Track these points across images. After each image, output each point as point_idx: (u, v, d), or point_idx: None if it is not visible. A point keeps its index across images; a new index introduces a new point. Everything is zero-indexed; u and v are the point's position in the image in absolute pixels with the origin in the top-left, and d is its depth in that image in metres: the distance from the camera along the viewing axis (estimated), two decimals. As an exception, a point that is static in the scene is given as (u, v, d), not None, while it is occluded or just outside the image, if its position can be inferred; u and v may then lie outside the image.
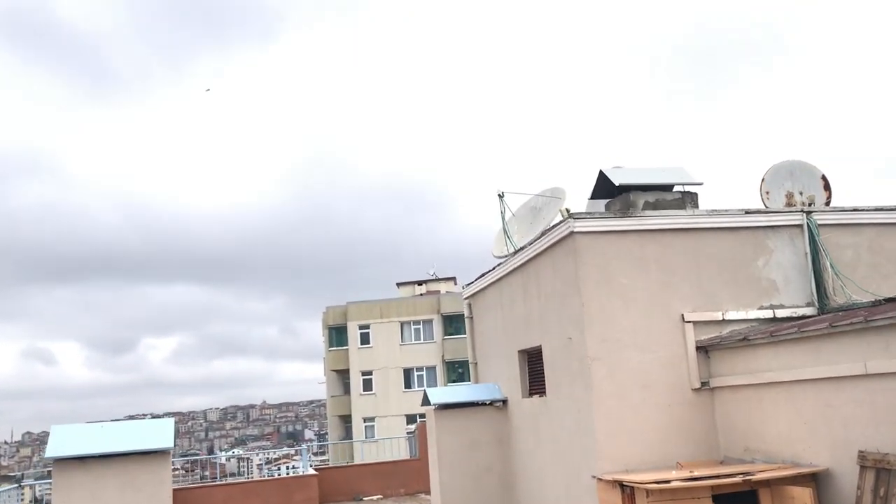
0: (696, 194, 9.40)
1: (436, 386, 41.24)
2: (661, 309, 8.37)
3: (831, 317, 7.11)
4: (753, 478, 6.88)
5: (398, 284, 54.69)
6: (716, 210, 8.74)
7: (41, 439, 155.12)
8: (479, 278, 11.68)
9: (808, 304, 8.69)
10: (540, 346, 9.53)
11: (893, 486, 6.06)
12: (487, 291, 11.48)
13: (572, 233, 8.35)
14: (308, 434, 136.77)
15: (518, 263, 10.08)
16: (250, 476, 42.34)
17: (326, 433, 54.49)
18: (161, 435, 9.05)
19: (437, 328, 45.87)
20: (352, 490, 14.81)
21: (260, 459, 72.65)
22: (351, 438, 42.69)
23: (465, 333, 12.81)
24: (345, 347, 46.67)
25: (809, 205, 9.49)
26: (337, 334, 47.43)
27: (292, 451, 51.08)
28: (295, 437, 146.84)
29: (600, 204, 9.58)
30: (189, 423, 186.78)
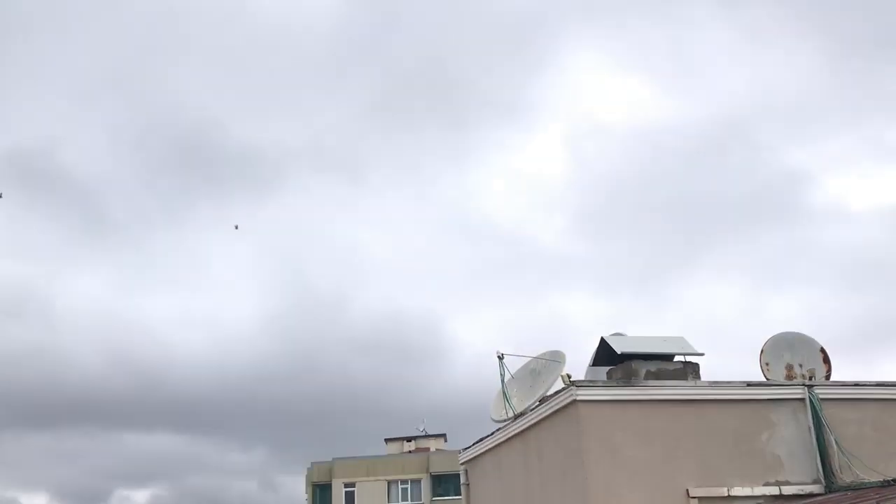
0: (697, 364, 9.42)
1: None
2: (666, 483, 8.17)
3: (840, 496, 6.95)
4: None
5: (386, 440, 53.34)
6: (718, 382, 8.74)
7: None
8: (476, 443, 11.43)
9: (815, 482, 8.50)
10: (541, 518, 9.19)
11: None
12: (485, 457, 11.19)
13: (575, 401, 8.29)
14: None
15: (518, 430, 9.90)
16: None
17: None
18: None
19: (426, 488, 44.28)
20: None
21: None
22: None
23: (455, 494, 12.37)
24: (329, 507, 44.85)
25: (810, 378, 9.50)
26: (321, 492, 45.68)
27: None
28: None
29: (601, 371, 9.56)
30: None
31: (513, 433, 10.04)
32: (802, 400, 8.84)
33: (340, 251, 68.76)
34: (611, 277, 66.12)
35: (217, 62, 69.63)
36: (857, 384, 9.05)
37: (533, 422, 9.37)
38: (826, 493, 8.12)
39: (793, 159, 64.68)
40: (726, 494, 8.22)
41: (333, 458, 45.56)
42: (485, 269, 69.05)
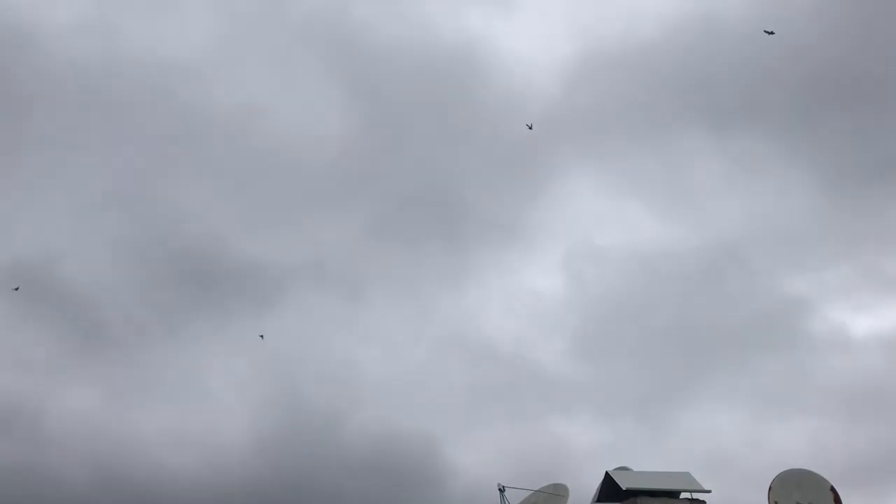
0: (703, 502, 9.17)
1: None
2: None
3: None
4: None
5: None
6: (727, 523, 8.47)
7: None
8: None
9: None
10: None
11: None
12: None
13: (580, 541, 8.01)
14: None
15: (520, 568, 9.51)
16: None
17: None
18: None
19: None
20: None
21: None
22: None
23: None
24: None
25: (822, 520, 9.22)
26: None
27: None
28: None
29: (606, 508, 9.31)
30: None
31: (514, 572, 9.62)
32: (815, 544, 8.55)
33: (337, 370, 68.09)
34: (612, 402, 65.09)
35: (220, 179, 71.45)
36: (870, 528, 8.77)
37: (535, 561, 9.01)
38: None
39: (791, 287, 65.19)
40: None
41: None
42: (484, 392, 68.07)
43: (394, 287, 73.98)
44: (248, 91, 77.06)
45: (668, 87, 74.44)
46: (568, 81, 77.18)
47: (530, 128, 53.74)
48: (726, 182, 72.23)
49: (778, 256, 67.94)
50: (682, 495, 9.10)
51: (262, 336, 45.41)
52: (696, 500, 9.04)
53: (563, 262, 72.39)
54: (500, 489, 10.58)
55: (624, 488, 8.98)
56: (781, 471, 9.85)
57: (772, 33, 61.11)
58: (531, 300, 70.43)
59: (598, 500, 9.42)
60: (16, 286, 52.54)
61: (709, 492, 9.19)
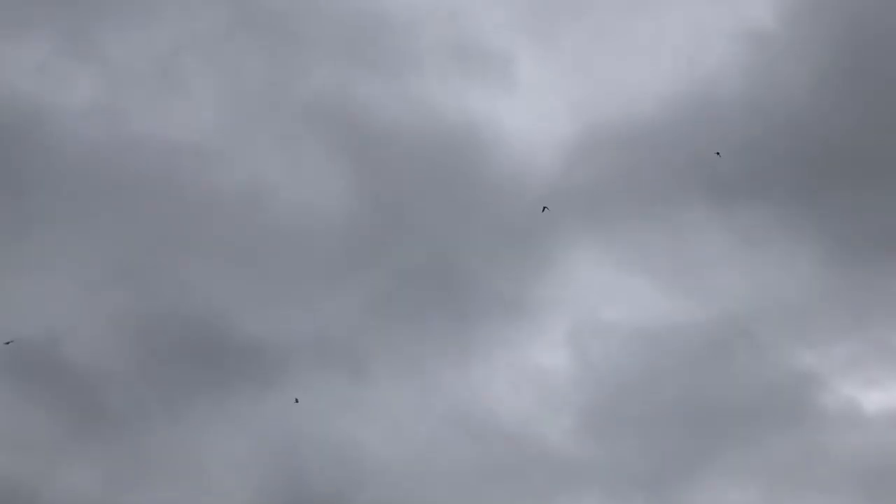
0: None
1: None
2: None
3: None
4: None
5: None
6: None
7: None
8: None
9: None
10: None
11: None
12: None
13: None
14: None
15: None
16: None
17: None
18: None
19: None
20: None
21: None
22: None
23: None
24: None
25: None
26: None
27: None
28: None
29: None
30: None
31: None
32: None
33: (340, 449, 66.86)
34: (621, 481, 63.70)
35: (224, 257, 71.59)
36: None
37: None
38: None
39: (800, 362, 64.62)
40: None
41: None
42: (490, 471, 66.68)
43: (397, 364, 73.29)
44: (253, 170, 78.03)
45: (669, 163, 75.50)
46: (569, 158, 78.36)
47: (545, 210, 54.75)
48: (730, 255, 72.43)
49: (785, 330, 67.57)
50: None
51: (297, 400, 45.57)
52: None
53: (568, 338, 71.91)
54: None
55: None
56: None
57: (718, 154, 63.47)
58: (537, 376, 69.73)
59: None
60: (8, 341, 52.13)
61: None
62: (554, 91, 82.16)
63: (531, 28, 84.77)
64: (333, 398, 68.57)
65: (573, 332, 71.72)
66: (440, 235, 75.28)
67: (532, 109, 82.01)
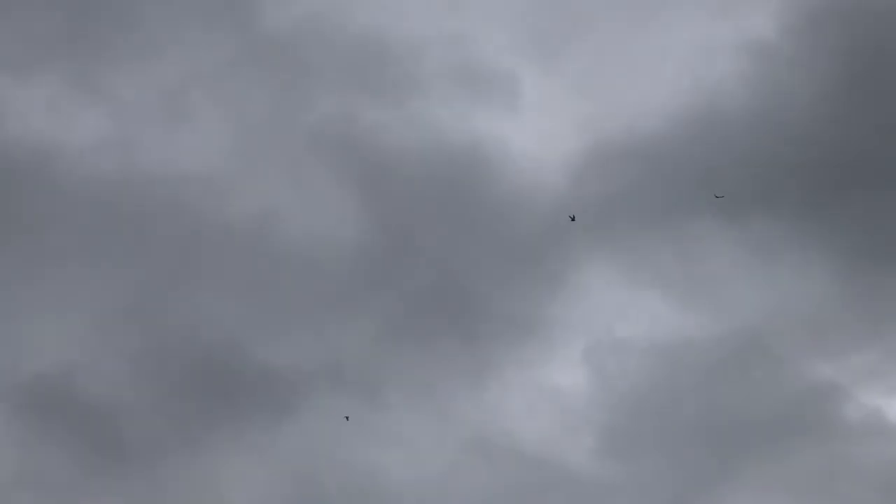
0: None
1: None
2: None
3: None
4: None
5: None
6: None
7: None
8: None
9: None
10: None
11: None
12: None
13: None
14: None
15: None
16: None
17: None
18: None
19: None
20: None
21: None
22: None
23: None
24: None
25: None
26: None
27: None
28: None
29: None
30: None
31: None
32: None
33: (358, 475, 66.27)
34: (646, 500, 62.79)
35: (237, 287, 71.70)
36: None
37: None
38: None
39: (819, 373, 63.93)
40: None
41: None
42: (510, 493, 65.86)
43: (412, 388, 72.81)
44: (262, 200, 78.33)
45: (677, 177, 75.43)
46: (577, 175, 78.33)
47: (573, 219, 54.74)
48: (742, 269, 72.07)
49: (802, 342, 66.96)
50: None
51: (347, 418, 45.68)
52: None
53: (584, 357, 71.36)
54: None
55: None
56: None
57: (721, 197, 63.66)
58: (554, 396, 69.12)
59: None
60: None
61: None
62: (559, 109, 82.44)
63: (534, 48, 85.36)
64: (351, 424, 68.10)
65: (588, 351, 71.22)
66: (450, 258, 75.20)
67: (538, 129, 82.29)
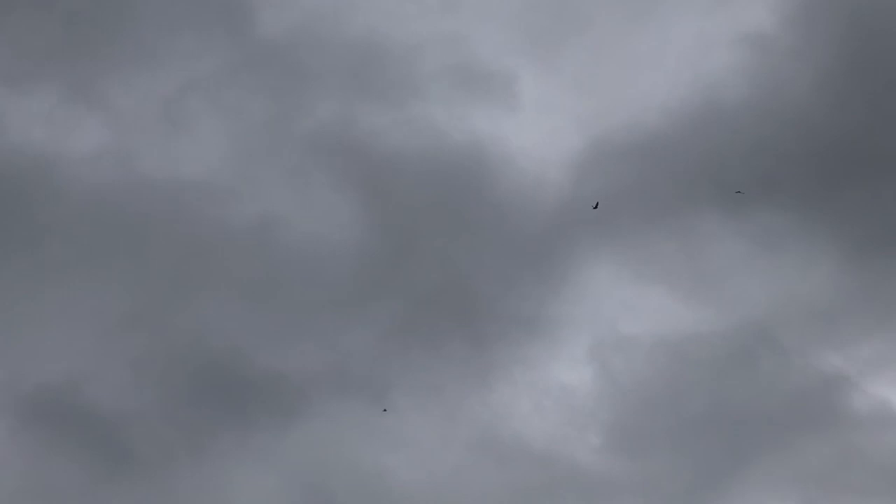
0: None
1: None
2: None
3: None
4: None
5: None
6: None
7: None
8: None
9: None
10: None
11: None
12: None
13: None
14: None
15: None
16: None
17: None
18: None
19: None
20: None
21: None
22: None
23: None
24: None
25: None
26: None
27: None
28: None
29: None
30: None
31: None
32: None
33: (367, 478, 66.13)
34: (654, 497, 62.54)
35: (239, 293, 71.58)
36: None
37: None
38: None
39: (827, 364, 63.68)
40: None
41: None
42: (520, 493, 65.68)
43: (419, 390, 72.64)
44: (263, 206, 78.24)
45: (679, 171, 75.27)
46: (578, 173, 78.22)
47: (596, 207, 55.19)
48: (747, 261, 71.83)
49: (809, 333, 66.73)
50: None
51: (385, 410, 46.21)
52: None
53: (589, 354, 71.18)
54: None
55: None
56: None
57: (740, 192, 63.59)
58: (560, 395, 68.92)
59: None
60: None
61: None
62: (559, 107, 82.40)
63: (532, 46, 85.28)
64: (357, 428, 67.99)
65: (594, 349, 71.04)
66: (453, 259, 75.09)
67: (538, 127, 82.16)
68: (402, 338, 72.92)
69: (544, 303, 71.78)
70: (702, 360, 66.49)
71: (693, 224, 72.38)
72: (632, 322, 72.43)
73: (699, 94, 78.33)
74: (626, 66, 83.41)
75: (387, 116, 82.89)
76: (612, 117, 79.72)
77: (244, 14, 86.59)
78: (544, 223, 74.84)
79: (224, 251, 72.44)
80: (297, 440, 65.84)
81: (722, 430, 64.56)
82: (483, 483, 66.99)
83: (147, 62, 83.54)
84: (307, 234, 76.02)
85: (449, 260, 73.87)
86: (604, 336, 71.55)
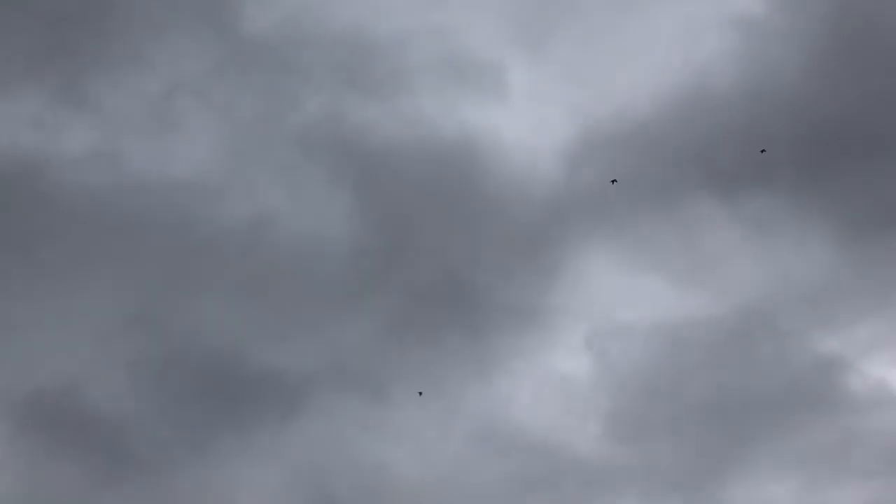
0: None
1: None
2: None
3: None
4: None
5: None
6: None
7: None
8: None
9: None
10: None
11: None
12: None
13: None
14: None
15: None
16: None
17: None
18: None
19: None
20: None
21: None
22: None
23: None
24: None
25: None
26: None
27: None
28: None
29: None
30: None
31: None
32: None
33: (368, 472, 66.16)
34: (657, 483, 62.66)
35: (235, 292, 71.38)
36: None
37: None
38: None
39: (824, 347, 63.86)
40: None
41: None
42: (521, 483, 65.72)
43: (417, 383, 72.53)
44: (255, 203, 77.98)
45: (671, 158, 75.22)
46: (571, 162, 78.10)
47: (614, 181, 55.31)
48: (742, 245, 71.88)
49: (806, 316, 66.86)
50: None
51: (420, 393, 46.20)
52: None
53: (587, 343, 71.22)
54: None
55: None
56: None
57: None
58: (559, 384, 68.94)
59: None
60: None
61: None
62: (549, 97, 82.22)
63: (520, 36, 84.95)
64: (357, 422, 67.97)
65: (591, 337, 71.04)
66: (448, 251, 74.94)
67: (529, 117, 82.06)
68: (400, 332, 72.86)
69: (540, 292, 71.80)
70: (699, 346, 66.60)
71: (686, 209, 72.43)
72: (628, 309, 72.49)
73: (689, 80, 78.29)
74: (615, 53, 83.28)
75: (377, 110, 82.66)
76: (602, 105, 79.61)
77: (230, 11, 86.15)
78: (538, 213, 74.81)
79: (218, 250, 72.20)
80: (297, 436, 65.78)
81: (721, 414, 64.71)
82: (484, 474, 67.03)
83: (134, 62, 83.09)
84: (301, 230, 75.87)
85: (444, 252, 73.78)
86: (601, 324, 71.59)
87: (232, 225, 75.27)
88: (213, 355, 67.99)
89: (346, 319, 73.58)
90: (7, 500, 59.28)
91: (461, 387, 72.42)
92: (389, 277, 73.18)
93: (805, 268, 67.16)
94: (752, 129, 75.14)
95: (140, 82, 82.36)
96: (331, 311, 72.79)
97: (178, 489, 63.63)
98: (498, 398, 70.23)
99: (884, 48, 75.30)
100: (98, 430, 65.04)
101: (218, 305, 69.06)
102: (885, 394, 61.39)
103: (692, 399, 64.34)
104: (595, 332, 71.45)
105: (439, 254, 73.77)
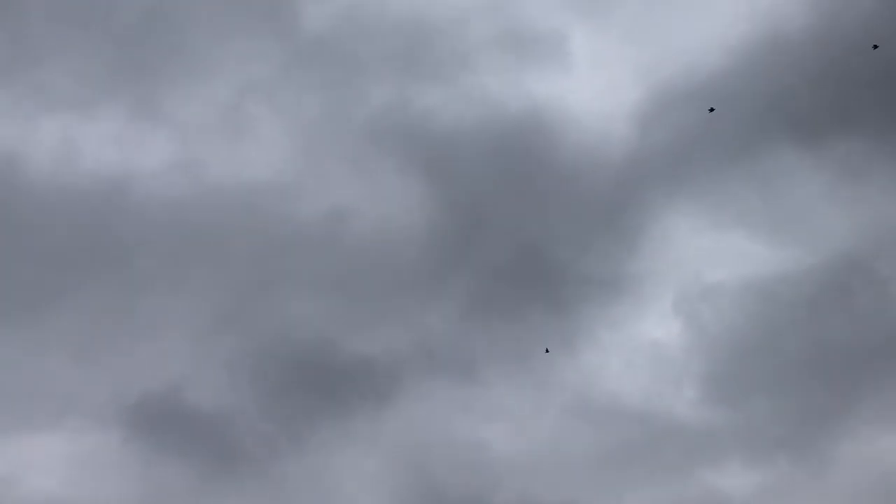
0: None
1: None
2: None
3: None
4: None
5: None
6: None
7: None
8: None
9: None
10: None
11: None
12: None
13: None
14: None
15: None
16: None
17: None
18: None
19: None
20: None
21: None
22: None
23: None
24: None
25: None
26: None
27: None
28: None
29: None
30: None
31: None
32: None
33: (466, 452, 66.78)
34: (760, 444, 61.21)
35: (319, 285, 72.80)
36: None
37: None
38: None
39: (927, 288, 60.97)
40: None
41: None
42: (622, 453, 65.23)
43: (507, 361, 72.67)
44: (331, 197, 79.15)
45: (747, 110, 72.85)
46: (642, 124, 76.51)
47: (712, 110, 54.47)
48: (829, 193, 69.28)
49: (903, 260, 64.02)
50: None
51: (547, 350, 47.24)
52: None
53: (675, 307, 69.92)
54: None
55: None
56: None
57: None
58: (651, 351, 67.98)
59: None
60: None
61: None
62: (614, 60, 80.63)
63: (579, 2, 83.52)
64: (450, 403, 68.63)
65: (679, 300, 69.70)
66: (525, 227, 74.61)
67: (595, 83, 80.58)
68: (484, 311, 73.01)
69: (623, 260, 70.82)
70: (793, 301, 64.59)
71: (768, 162, 70.13)
72: (716, 269, 70.75)
73: (758, 27, 75.52)
74: (678, 8, 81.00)
75: (441, 93, 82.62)
76: (670, 63, 77.61)
77: (288, 13, 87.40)
78: (613, 180, 73.66)
79: (299, 246, 73.72)
80: (393, 421, 66.84)
81: (822, 369, 62.66)
82: (582, 446, 66.75)
83: (201, 72, 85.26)
84: (377, 219, 76.69)
85: (521, 229, 73.49)
86: (688, 287, 70.15)
87: (310, 221, 76.77)
88: (304, 348, 69.64)
89: (430, 303, 74.26)
90: (125, 500, 62.25)
91: (550, 360, 72.22)
92: (468, 258, 73.45)
93: (898, 211, 64.29)
94: (829, 72, 72.16)
95: (209, 91, 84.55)
96: (414, 296, 73.56)
97: (282, 478, 65.63)
98: (589, 370, 69.72)
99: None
100: (203, 427, 67.56)
101: (305, 299, 70.69)
102: None
103: (790, 356, 62.56)
104: (683, 296, 70.10)
105: (516, 230, 73.59)
